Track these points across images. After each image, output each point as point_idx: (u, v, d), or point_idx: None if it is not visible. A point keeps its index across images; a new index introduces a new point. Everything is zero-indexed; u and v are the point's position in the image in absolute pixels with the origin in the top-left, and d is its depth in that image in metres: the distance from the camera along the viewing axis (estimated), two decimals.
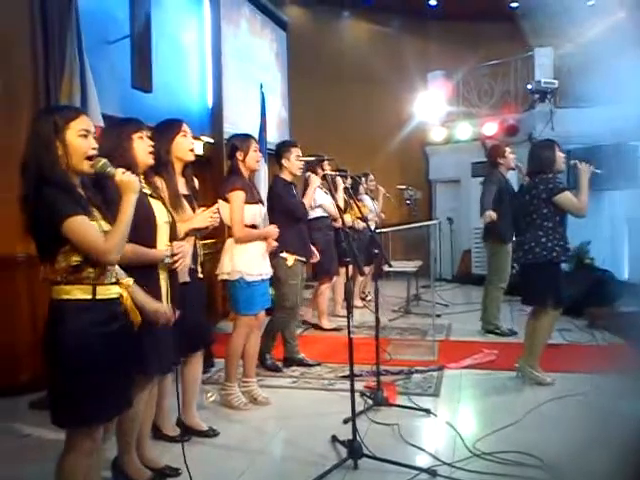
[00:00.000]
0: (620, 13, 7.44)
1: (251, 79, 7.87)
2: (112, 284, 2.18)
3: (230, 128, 6.96)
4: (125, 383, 2.24)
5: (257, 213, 3.76)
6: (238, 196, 3.63)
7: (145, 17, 5.16)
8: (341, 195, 5.64)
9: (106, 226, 2.15)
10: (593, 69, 8.02)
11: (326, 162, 5.28)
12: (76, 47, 4.09)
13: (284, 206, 4.42)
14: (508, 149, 5.85)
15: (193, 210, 3.15)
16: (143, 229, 2.57)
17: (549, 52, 8.66)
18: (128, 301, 2.23)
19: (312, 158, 5.00)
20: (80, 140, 2.10)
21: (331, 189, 3.89)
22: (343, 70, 10.19)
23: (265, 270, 3.77)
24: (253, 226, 3.74)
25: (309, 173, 4.67)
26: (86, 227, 2.04)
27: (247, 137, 3.88)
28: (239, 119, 7.46)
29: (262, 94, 6.98)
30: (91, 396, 2.07)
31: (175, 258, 2.64)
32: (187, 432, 3.35)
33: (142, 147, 2.65)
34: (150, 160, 2.69)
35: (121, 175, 2.14)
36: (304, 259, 4.52)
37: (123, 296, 2.21)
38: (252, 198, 3.72)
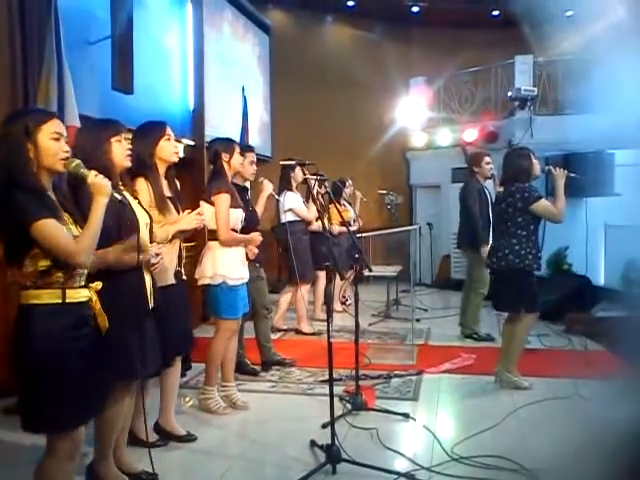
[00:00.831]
0: (598, 23, 7.56)
1: (233, 82, 7.86)
2: (81, 287, 2.17)
3: (212, 131, 6.94)
4: (99, 385, 2.22)
5: (239, 218, 3.76)
6: (224, 199, 3.62)
7: (127, 18, 5.11)
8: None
9: (76, 230, 2.14)
10: (573, 77, 8.15)
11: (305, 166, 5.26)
12: (54, 47, 4.06)
13: None
14: (487, 158, 5.86)
15: (177, 212, 3.15)
16: (127, 231, 2.56)
17: (529, 60, 8.77)
18: (97, 305, 2.21)
19: (292, 162, 4.99)
20: (52, 143, 2.10)
21: (312, 194, 3.89)
22: (325, 75, 10.21)
23: (245, 275, 3.76)
24: (234, 230, 3.73)
25: (262, 178, 4.61)
26: (56, 230, 2.03)
27: (230, 141, 3.91)
28: (221, 122, 7.43)
29: (244, 97, 6.97)
30: (65, 400, 2.06)
31: (158, 259, 2.65)
32: (165, 437, 3.33)
33: (120, 151, 2.64)
34: (127, 163, 2.68)
35: (94, 177, 2.14)
36: (257, 264, 4.50)
37: (92, 299, 2.20)
38: (235, 202, 3.72)
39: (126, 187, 2.72)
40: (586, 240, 8.29)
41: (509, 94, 8.36)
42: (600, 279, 8.39)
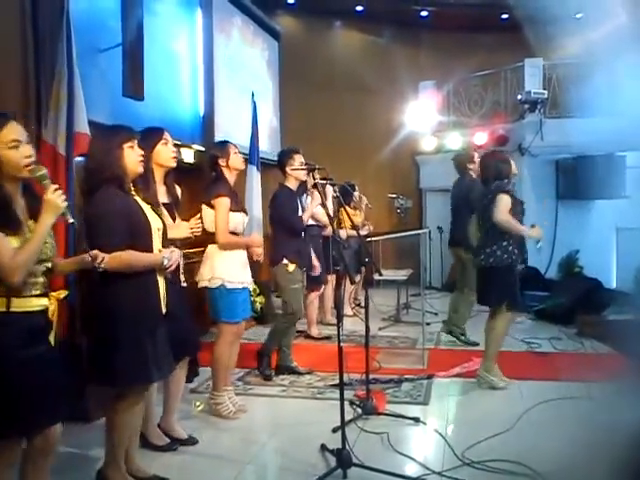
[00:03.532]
0: (607, 25, 7.55)
1: (243, 87, 7.88)
2: (36, 296, 2.14)
3: (222, 136, 6.96)
4: (59, 393, 2.18)
5: (240, 221, 3.75)
6: (223, 202, 3.62)
7: (137, 25, 5.15)
8: (331, 204, 5.64)
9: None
10: (582, 80, 8.11)
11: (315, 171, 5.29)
12: (65, 54, 4.09)
13: (284, 219, 4.46)
14: (476, 154, 5.89)
15: (173, 219, 3.16)
16: (141, 235, 2.58)
17: (539, 62, 8.75)
18: (54, 315, 2.18)
19: (305, 167, 5.01)
20: (11, 152, 2.07)
21: (322, 198, 3.90)
22: (335, 79, 10.23)
23: (246, 279, 3.76)
24: (235, 234, 3.72)
25: (313, 190, 4.71)
26: None
27: (225, 143, 3.89)
28: (230, 127, 7.46)
29: (254, 102, 6.99)
30: (8, 409, 2.03)
31: (171, 262, 2.67)
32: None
33: (133, 157, 2.64)
34: (140, 169, 2.68)
35: (51, 193, 2.10)
36: (304, 268, 4.54)
37: (50, 309, 2.17)
38: (236, 206, 3.72)
39: (138, 192, 2.74)
40: (595, 243, 8.27)
41: (519, 97, 8.33)
42: (612, 282, 8.34)
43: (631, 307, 6.46)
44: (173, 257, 2.70)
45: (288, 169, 4.51)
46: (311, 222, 5.66)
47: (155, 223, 2.70)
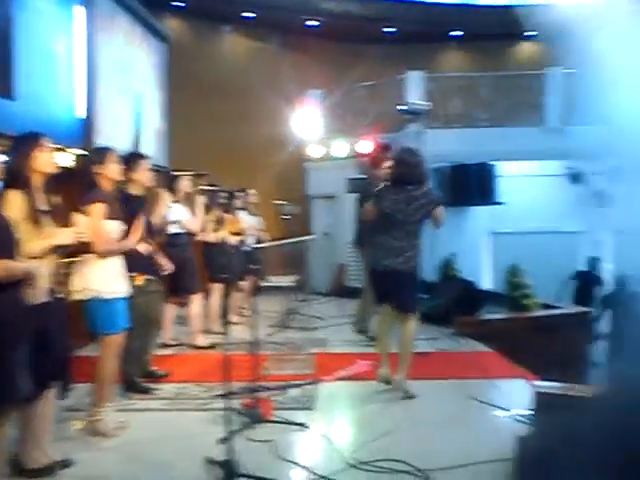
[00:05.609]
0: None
1: (127, 90, 7.61)
2: None
3: (103, 140, 6.67)
4: None
5: (115, 230, 3.59)
6: (99, 209, 3.47)
7: (6, 19, 4.84)
8: (200, 210, 5.55)
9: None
10: (461, 92, 8.61)
11: (202, 177, 5.19)
12: None
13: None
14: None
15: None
16: (6, 245, 2.43)
17: (420, 75, 9.17)
18: None
19: (190, 173, 4.92)
20: None
21: (209, 204, 3.84)
22: (222, 84, 10.15)
23: (121, 288, 3.60)
24: None
25: (159, 189, 4.53)
26: None
27: (105, 149, 3.74)
28: (113, 131, 7.17)
29: (138, 106, 6.77)
30: None
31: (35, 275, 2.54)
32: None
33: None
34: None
35: None
36: (153, 277, 4.39)
37: None
38: (112, 214, 3.56)
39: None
40: (470, 246, 8.77)
41: (401, 107, 8.64)
42: (486, 283, 8.88)
43: (503, 307, 6.96)
44: (40, 270, 2.56)
45: (133, 174, 4.21)
46: (178, 230, 5.47)
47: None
